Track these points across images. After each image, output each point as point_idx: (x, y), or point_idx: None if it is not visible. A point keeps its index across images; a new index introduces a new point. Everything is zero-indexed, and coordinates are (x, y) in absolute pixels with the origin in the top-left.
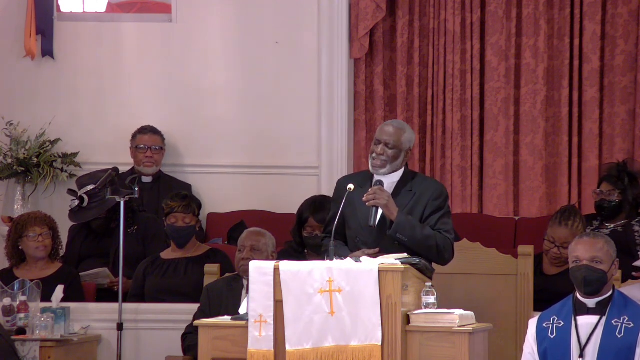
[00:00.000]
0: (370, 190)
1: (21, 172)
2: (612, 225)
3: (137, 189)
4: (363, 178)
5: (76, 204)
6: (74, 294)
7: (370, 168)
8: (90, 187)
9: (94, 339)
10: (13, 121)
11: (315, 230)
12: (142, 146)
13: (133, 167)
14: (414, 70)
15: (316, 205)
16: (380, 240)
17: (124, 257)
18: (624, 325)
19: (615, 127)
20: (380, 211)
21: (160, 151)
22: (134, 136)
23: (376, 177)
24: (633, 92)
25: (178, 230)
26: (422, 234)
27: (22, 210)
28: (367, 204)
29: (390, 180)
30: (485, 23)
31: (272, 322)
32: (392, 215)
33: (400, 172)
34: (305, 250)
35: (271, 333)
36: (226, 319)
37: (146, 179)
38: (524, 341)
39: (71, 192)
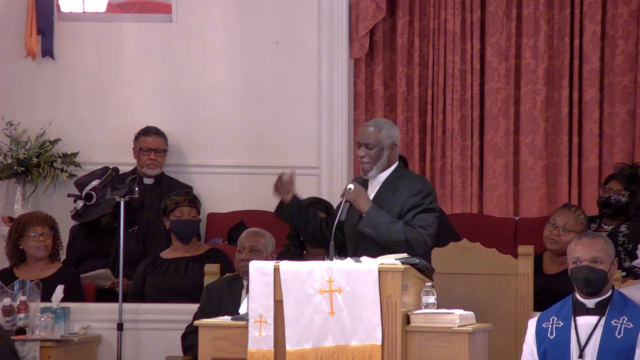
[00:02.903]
0: (345, 187)
1: (21, 172)
2: (610, 228)
3: (137, 189)
4: (364, 183)
5: (81, 204)
6: (74, 294)
7: (361, 173)
8: (95, 183)
9: (94, 339)
10: (13, 121)
11: None
12: (145, 148)
13: (135, 168)
14: (414, 70)
15: (307, 199)
16: (359, 241)
17: (124, 257)
18: (623, 325)
19: (615, 127)
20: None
21: (164, 153)
22: (137, 137)
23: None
24: (633, 92)
25: (184, 223)
26: (388, 228)
27: (22, 210)
28: (340, 197)
29: (379, 180)
30: (485, 23)
31: (272, 322)
32: (363, 210)
33: (389, 170)
34: (305, 252)
35: (271, 333)
36: (226, 319)
37: (148, 181)
38: (524, 341)
39: (73, 195)
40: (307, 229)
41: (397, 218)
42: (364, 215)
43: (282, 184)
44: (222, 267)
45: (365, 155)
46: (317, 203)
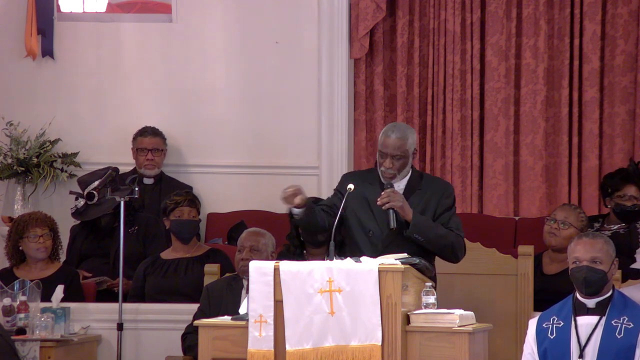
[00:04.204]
0: (383, 193)
1: (21, 172)
2: (615, 227)
3: (137, 188)
4: (372, 176)
5: (82, 203)
6: (74, 294)
7: (382, 179)
8: (97, 182)
9: (94, 339)
10: (13, 121)
11: None
12: (142, 149)
13: (135, 168)
14: (414, 70)
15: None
16: (394, 239)
17: (124, 257)
18: (623, 325)
19: (615, 127)
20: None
21: (162, 153)
22: (134, 138)
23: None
24: (633, 92)
25: (184, 223)
26: (437, 234)
27: (22, 210)
28: (382, 207)
29: (401, 185)
30: (485, 23)
31: (272, 322)
32: (408, 216)
33: (409, 174)
34: (305, 252)
35: (271, 333)
36: (226, 319)
37: (147, 181)
38: (524, 341)
39: (74, 192)
40: (320, 228)
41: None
42: (409, 221)
43: (286, 198)
44: (222, 267)
45: (392, 167)
46: (317, 203)
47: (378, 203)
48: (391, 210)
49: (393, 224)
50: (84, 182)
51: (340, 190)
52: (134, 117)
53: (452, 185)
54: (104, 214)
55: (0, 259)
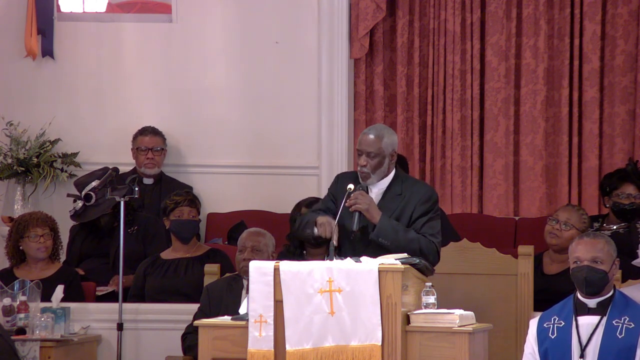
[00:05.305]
0: (352, 195)
1: (21, 172)
2: (615, 227)
3: (136, 188)
4: (357, 180)
5: (80, 204)
6: (74, 294)
7: (360, 179)
8: (95, 183)
9: (94, 339)
10: (13, 121)
11: None
12: (142, 148)
13: (135, 168)
14: (414, 70)
15: (307, 199)
16: (367, 244)
17: (124, 257)
18: (624, 325)
19: (615, 127)
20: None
21: (162, 152)
22: (134, 137)
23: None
24: (633, 92)
25: (184, 223)
26: (404, 238)
27: (22, 210)
28: (350, 209)
29: (380, 186)
30: (485, 23)
31: (272, 322)
32: (375, 219)
33: (390, 177)
34: (305, 252)
35: (271, 333)
36: (226, 319)
37: (147, 181)
38: (524, 341)
39: (72, 195)
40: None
41: (407, 226)
42: (376, 224)
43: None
44: (222, 267)
45: (366, 164)
46: (317, 203)
47: (347, 205)
48: (357, 213)
49: (355, 226)
50: (80, 183)
51: (332, 192)
52: (134, 117)
53: (434, 190)
54: (103, 214)
55: (0, 259)
